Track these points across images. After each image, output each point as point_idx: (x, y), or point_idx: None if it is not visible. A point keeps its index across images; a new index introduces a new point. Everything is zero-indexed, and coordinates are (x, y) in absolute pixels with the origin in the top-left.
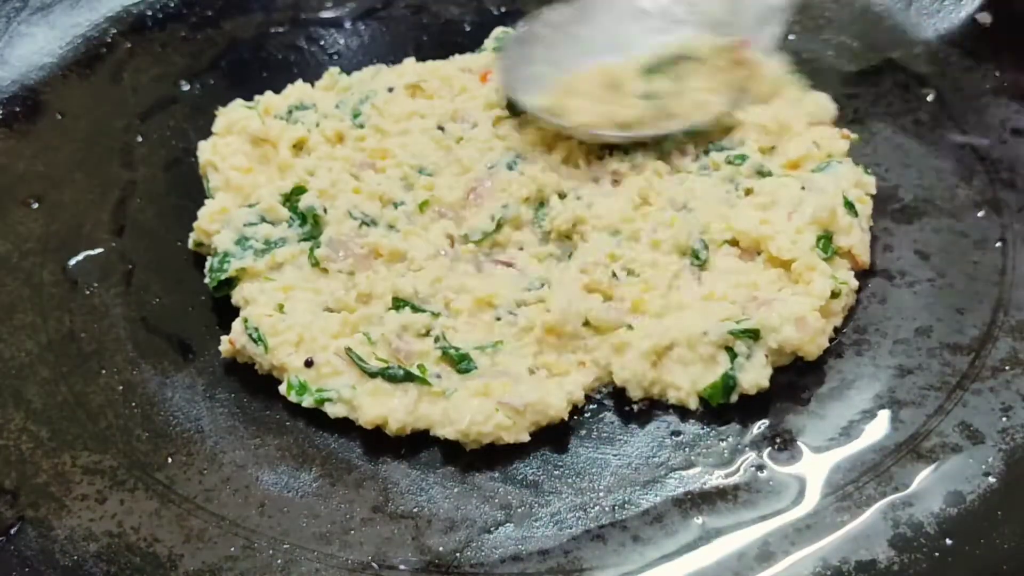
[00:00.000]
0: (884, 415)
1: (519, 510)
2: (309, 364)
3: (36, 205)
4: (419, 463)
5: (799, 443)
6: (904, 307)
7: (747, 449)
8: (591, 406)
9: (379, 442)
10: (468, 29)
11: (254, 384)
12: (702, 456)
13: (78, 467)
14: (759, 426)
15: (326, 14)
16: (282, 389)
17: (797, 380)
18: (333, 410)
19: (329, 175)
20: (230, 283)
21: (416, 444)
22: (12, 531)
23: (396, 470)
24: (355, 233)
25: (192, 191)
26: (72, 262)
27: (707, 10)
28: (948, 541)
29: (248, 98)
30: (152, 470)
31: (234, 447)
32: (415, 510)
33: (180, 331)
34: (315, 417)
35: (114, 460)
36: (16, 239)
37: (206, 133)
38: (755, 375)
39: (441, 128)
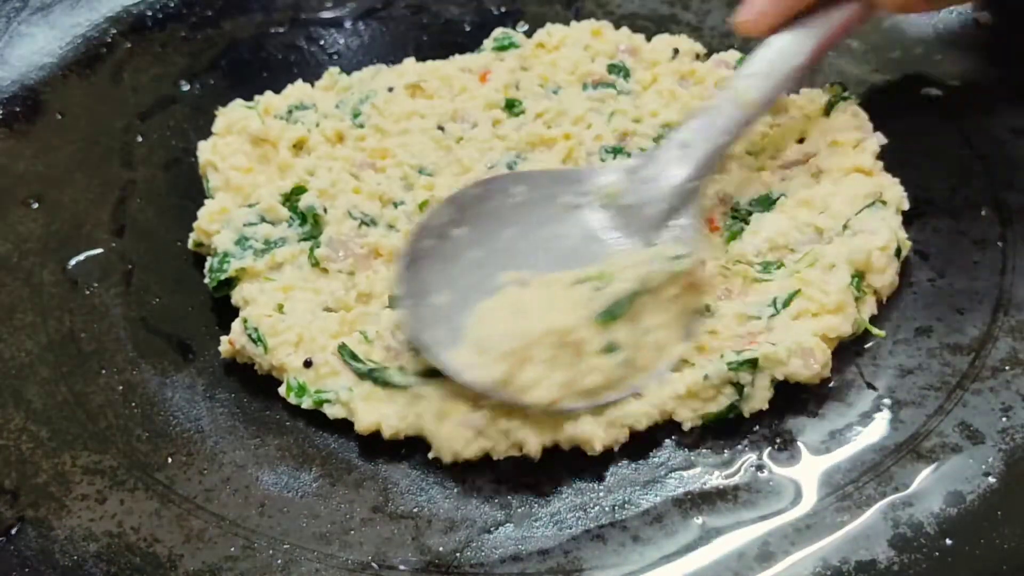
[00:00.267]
0: (884, 415)
1: (519, 510)
2: (308, 364)
3: (36, 205)
4: (419, 463)
5: (799, 443)
6: (904, 307)
7: (747, 449)
8: None
9: (379, 442)
10: (468, 29)
11: (254, 384)
12: (702, 456)
13: (78, 467)
14: (759, 426)
15: (326, 14)
16: (281, 391)
17: None
18: (332, 412)
19: (329, 175)
20: (230, 283)
21: (416, 444)
22: (12, 531)
23: (396, 470)
24: (355, 233)
25: (192, 191)
26: (72, 262)
27: (601, 190)
28: (948, 541)
29: (248, 98)
30: (152, 470)
31: (234, 447)
32: (415, 510)
33: (180, 331)
34: (315, 417)
35: (114, 460)
36: (16, 239)
37: (206, 133)
38: (757, 402)
39: (441, 128)
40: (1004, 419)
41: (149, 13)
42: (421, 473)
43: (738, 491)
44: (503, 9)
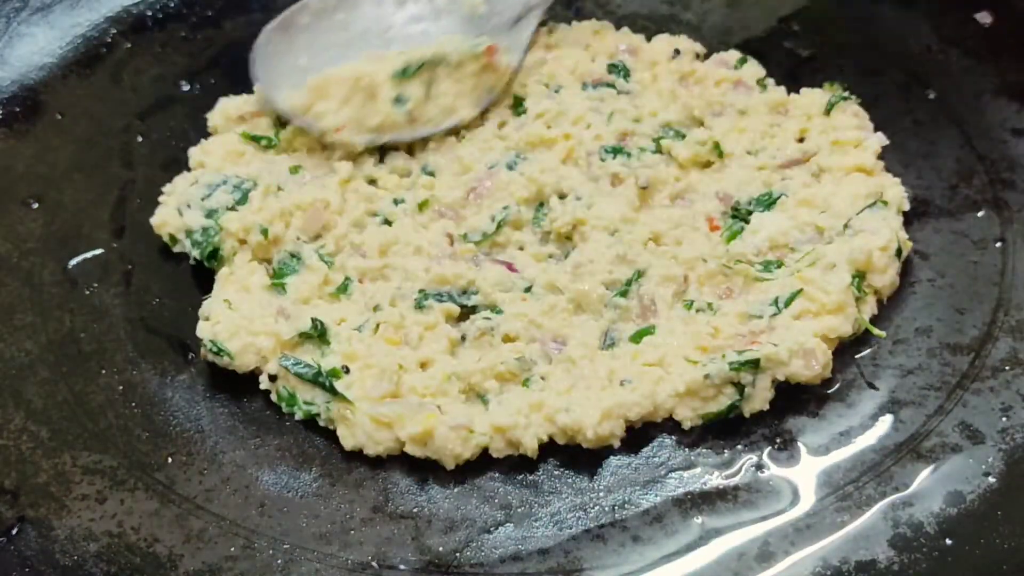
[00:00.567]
0: (884, 415)
1: (519, 510)
2: (273, 379)
3: (36, 205)
4: (419, 463)
5: (799, 443)
6: (904, 307)
7: (747, 449)
8: None
9: None
10: None
11: (254, 384)
12: (702, 456)
13: (78, 467)
14: (759, 427)
15: None
16: (274, 397)
17: None
18: (322, 423)
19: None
20: (216, 254)
21: None
22: (12, 531)
23: (396, 470)
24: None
25: None
26: (72, 262)
27: (467, 2)
28: (948, 541)
29: None
30: (152, 470)
31: (234, 447)
32: (415, 510)
33: (180, 331)
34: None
35: (114, 460)
36: (16, 239)
37: (206, 133)
38: (758, 402)
39: None
40: (1004, 419)
41: (149, 13)
42: (421, 473)
43: (738, 491)
44: None
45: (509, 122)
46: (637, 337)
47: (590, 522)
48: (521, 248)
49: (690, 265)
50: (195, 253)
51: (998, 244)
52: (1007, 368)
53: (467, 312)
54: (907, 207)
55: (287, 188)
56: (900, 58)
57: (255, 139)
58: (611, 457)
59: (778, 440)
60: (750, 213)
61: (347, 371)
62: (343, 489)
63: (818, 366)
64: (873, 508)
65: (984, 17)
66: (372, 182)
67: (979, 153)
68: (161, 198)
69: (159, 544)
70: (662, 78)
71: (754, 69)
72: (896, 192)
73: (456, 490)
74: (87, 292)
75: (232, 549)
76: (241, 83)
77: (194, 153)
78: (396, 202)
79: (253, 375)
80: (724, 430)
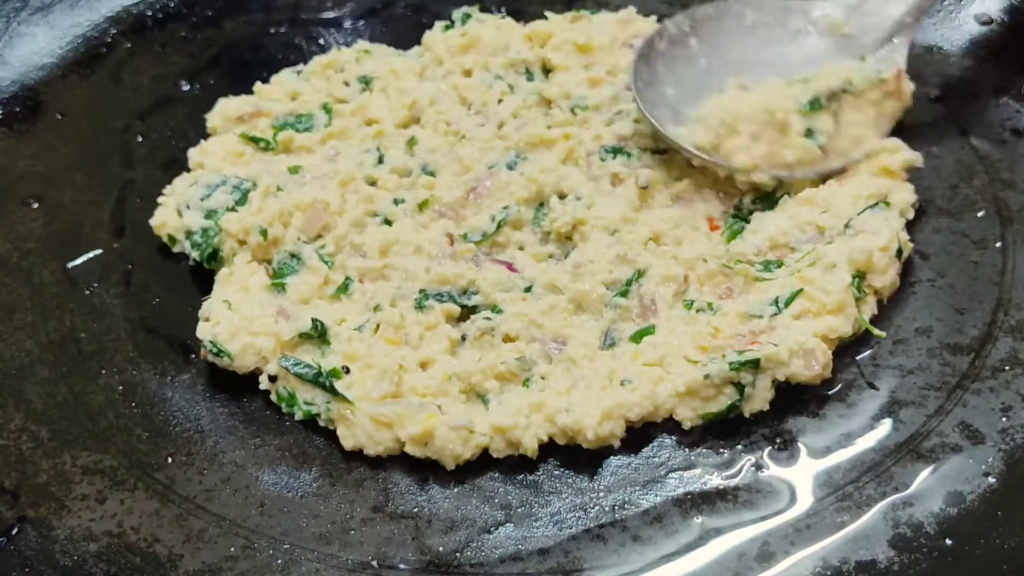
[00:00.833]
0: (884, 415)
1: (519, 510)
2: (273, 379)
3: (36, 205)
4: (419, 463)
5: (799, 443)
6: (904, 307)
7: (747, 449)
8: None
9: None
10: None
11: (254, 384)
12: (702, 456)
13: (78, 467)
14: (759, 427)
15: (326, 14)
16: (274, 397)
17: None
18: (323, 423)
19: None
20: (216, 255)
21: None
22: (12, 531)
23: (396, 470)
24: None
25: None
26: (72, 263)
27: (827, 19)
28: (948, 541)
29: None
30: (152, 470)
31: (234, 447)
32: (415, 510)
33: (180, 331)
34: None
35: (114, 460)
36: (16, 239)
37: (206, 133)
38: (758, 402)
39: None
40: (1004, 419)
41: (149, 13)
42: (421, 473)
43: (738, 491)
44: (503, 9)
45: (509, 122)
46: (637, 337)
47: (590, 522)
48: (521, 248)
49: (690, 265)
50: (195, 254)
51: (998, 244)
52: (1007, 368)
53: (467, 312)
54: (911, 215)
55: (287, 188)
56: None
57: (254, 140)
58: (611, 457)
59: (778, 440)
60: (751, 212)
61: (347, 371)
62: (343, 489)
63: (818, 366)
64: (873, 508)
65: (984, 17)
66: (372, 182)
67: (979, 153)
68: (160, 199)
69: (159, 544)
70: None
71: None
72: (904, 197)
73: (456, 490)
74: (87, 292)
75: (232, 549)
76: (241, 83)
77: (193, 154)
78: (396, 202)
79: (253, 375)
80: (724, 430)
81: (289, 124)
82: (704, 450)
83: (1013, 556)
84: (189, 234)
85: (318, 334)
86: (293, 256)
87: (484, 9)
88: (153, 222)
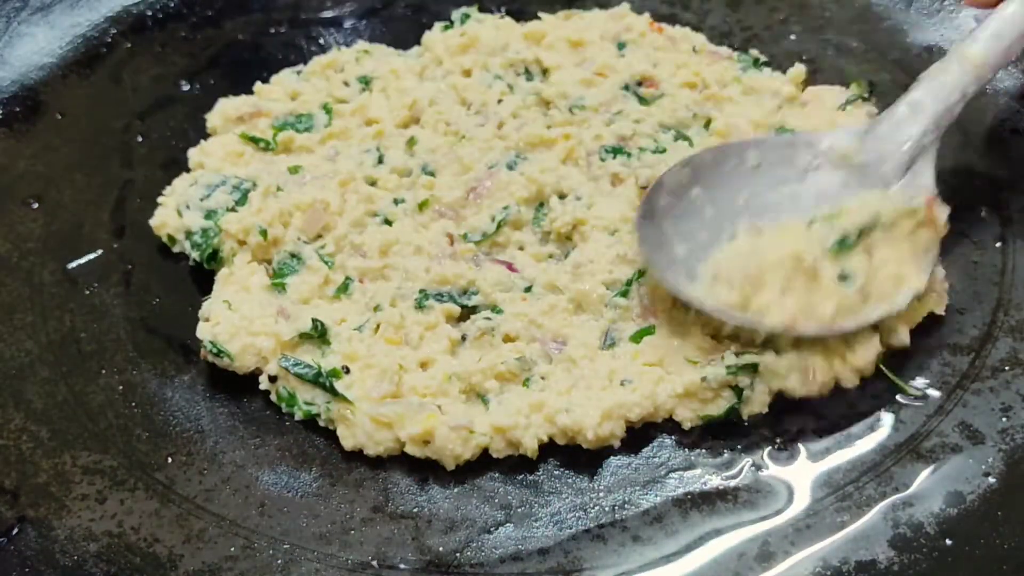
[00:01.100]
0: (884, 415)
1: (519, 510)
2: (273, 380)
3: (36, 205)
4: (419, 463)
5: (799, 444)
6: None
7: (747, 450)
8: None
9: None
10: None
11: (254, 384)
12: (702, 456)
13: (78, 467)
14: (759, 427)
15: (326, 14)
16: (274, 397)
17: None
18: (323, 423)
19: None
20: (216, 255)
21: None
22: (12, 531)
23: (396, 470)
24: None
25: None
26: (72, 263)
27: (835, 150)
28: (948, 541)
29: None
30: (152, 470)
31: (234, 447)
32: (415, 510)
33: (180, 331)
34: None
35: (114, 460)
36: (16, 239)
37: (206, 133)
38: (756, 405)
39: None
40: (1004, 419)
41: (149, 13)
42: (421, 473)
43: (738, 491)
44: (503, 9)
45: (509, 122)
46: (637, 337)
47: (590, 522)
48: (521, 248)
49: None
50: (195, 255)
51: (998, 244)
52: (1007, 368)
53: (467, 312)
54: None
55: (287, 188)
56: (900, 58)
57: (254, 140)
58: (611, 457)
59: (778, 440)
60: None
61: (347, 371)
62: (343, 489)
63: (816, 385)
64: (873, 508)
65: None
66: (372, 182)
67: (979, 153)
68: (160, 199)
69: (159, 544)
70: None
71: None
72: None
73: (456, 490)
74: (87, 292)
75: (232, 549)
76: (241, 83)
77: (193, 154)
78: (396, 202)
79: (253, 375)
80: (724, 430)
81: (289, 124)
82: (704, 450)
83: (1013, 556)
84: (189, 234)
85: (318, 334)
86: (293, 256)
87: (483, 9)
88: (153, 222)
